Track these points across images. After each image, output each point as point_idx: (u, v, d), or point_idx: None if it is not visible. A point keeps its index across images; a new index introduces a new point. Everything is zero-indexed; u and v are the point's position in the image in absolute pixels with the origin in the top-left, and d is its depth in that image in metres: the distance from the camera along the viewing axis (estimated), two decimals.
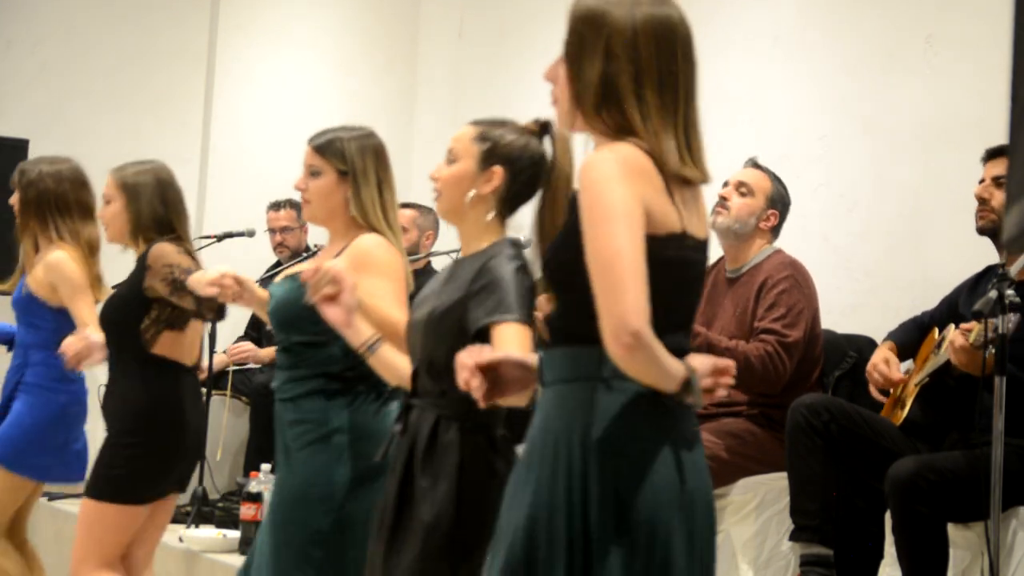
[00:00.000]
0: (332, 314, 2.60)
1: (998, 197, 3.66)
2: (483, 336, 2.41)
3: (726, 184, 4.37)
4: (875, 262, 4.75)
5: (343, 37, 7.27)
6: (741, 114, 5.31)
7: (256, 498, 4.48)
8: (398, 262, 2.94)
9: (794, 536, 3.79)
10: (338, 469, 2.86)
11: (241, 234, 5.60)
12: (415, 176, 7.12)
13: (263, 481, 4.51)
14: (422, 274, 6.06)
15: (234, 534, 4.62)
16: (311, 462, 2.89)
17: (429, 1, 7.32)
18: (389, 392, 2.92)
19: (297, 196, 3.18)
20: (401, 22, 7.35)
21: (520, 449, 2.22)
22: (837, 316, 4.55)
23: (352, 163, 3.00)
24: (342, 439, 2.88)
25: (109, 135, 6.44)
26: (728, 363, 2.00)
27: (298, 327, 2.92)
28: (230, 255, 6.08)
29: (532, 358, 2.10)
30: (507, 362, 2.06)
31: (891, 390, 3.90)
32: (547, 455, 1.97)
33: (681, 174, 1.97)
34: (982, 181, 3.76)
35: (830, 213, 4.91)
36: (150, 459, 3.63)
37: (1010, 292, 3.13)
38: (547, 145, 2.57)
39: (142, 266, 3.65)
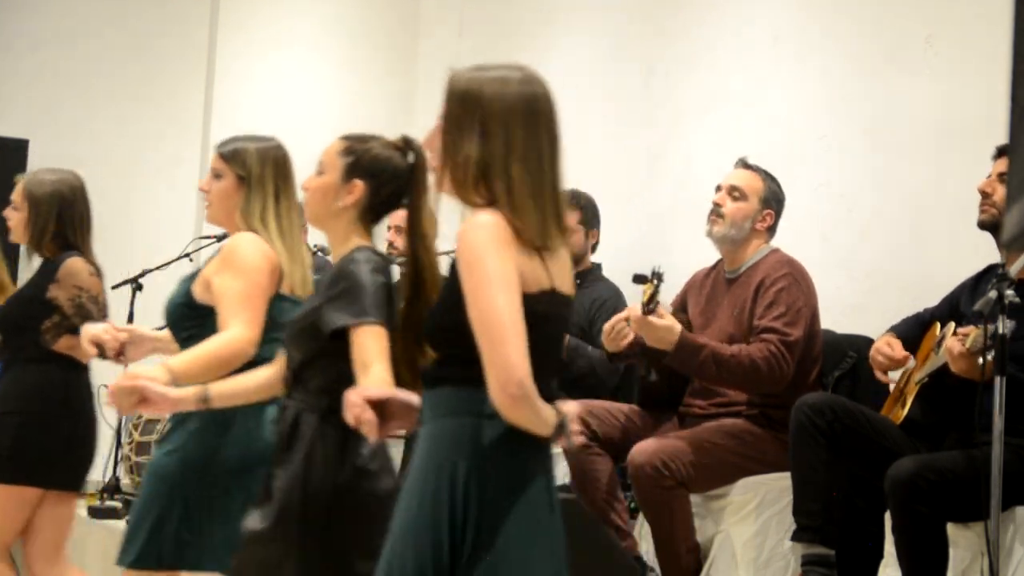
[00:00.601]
0: (154, 410, 2.90)
1: (1000, 192, 3.66)
2: (340, 336, 2.60)
3: (718, 189, 4.35)
4: (875, 262, 4.74)
5: (343, 37, 7.27)
6: (741, 114, 5.31)
7: None
8: (262, 261, 3.09)
9: (796, 536, 3.78)
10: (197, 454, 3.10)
11: None
12: None
13: None
14: None
15: None
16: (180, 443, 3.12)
17: (429, 1, 7.32)
18: None
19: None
20: (401, 21, 7.36)
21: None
22: (837, 316, 4.55)
23: (250, 169, 3.21)
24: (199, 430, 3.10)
25: (109, 135, 6.45)
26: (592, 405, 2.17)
27: (179, 324, 3.16)
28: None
29: (415, 397, 2.25)
30: (394, 400, 2.23)
31: (892, 385, 3.90)
32: (432, 481, 2.16)
33: (543, 244, 2.19)
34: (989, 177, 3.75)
35: (830, 213, 4.90)
36: (38, 439, 3.79)
37: (1010, 292, 3.13)
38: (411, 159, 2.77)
39: (50, 274, 3.85)
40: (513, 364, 2.08)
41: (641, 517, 4.28)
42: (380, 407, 2.20)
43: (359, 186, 2.76)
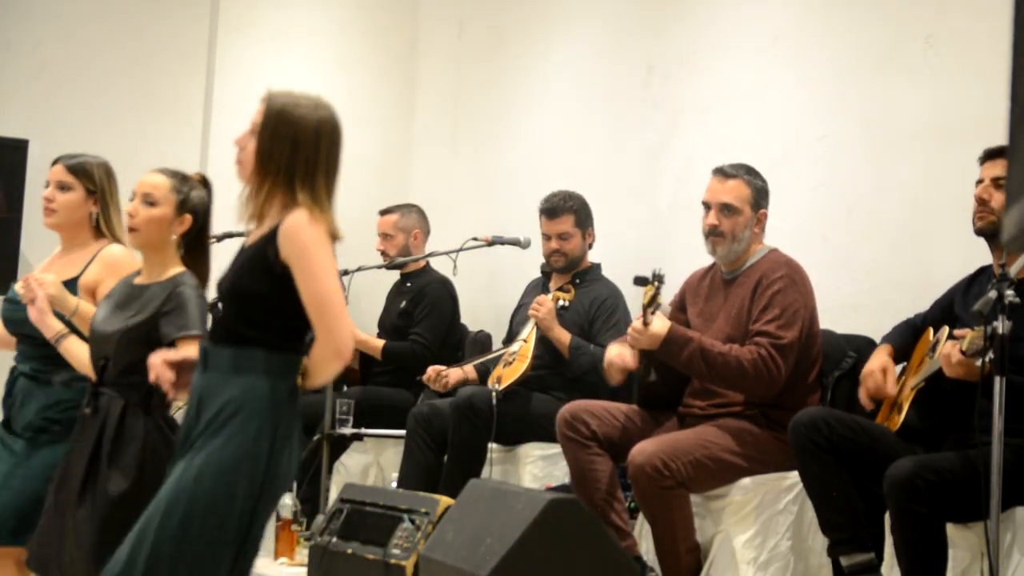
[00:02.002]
0: (31, 313, 3.48)
1: (997, 198, 3.65)
2: (173, 346, 3.17)
3: (707, 206, 4.32)
4: (875, 262, 4.74)
5: (343, 38, 7.27)
6: (741, 114, 5.31)
7: None
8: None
9: (832, 551, 3.76)
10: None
11: (241, 234, 5.58)
12: (414, 175, 7.13)
13: None
14: (420, 275, 6.06)
15: None
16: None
17: (429, 1, 7.32)
18: None
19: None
20: (401, 23, 7.35)
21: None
22: (837, 316, 4.55)
23: (100, 184, 3.77)
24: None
25: (109, 135, 6.43)
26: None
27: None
28: (230, 255, 6.09)
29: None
30: (187, 363, 2.79)
31: (882, 401, 3.89)
32: (238, 427, 2.62)
33: (336, 236, 2.70)
34: (980, 182, 3.74)
35: (830, 213, 4.90)
36: None
37: (1010, 292, 3.13)
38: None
39: None
40: (349, 334, 2.64)
41: (641, 517, 4.28)
42: (177, 368, 2.79)
43: (188, 219, 3.38)
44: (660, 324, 4.07)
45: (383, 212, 6.11)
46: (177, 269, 3.36)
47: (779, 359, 4.07)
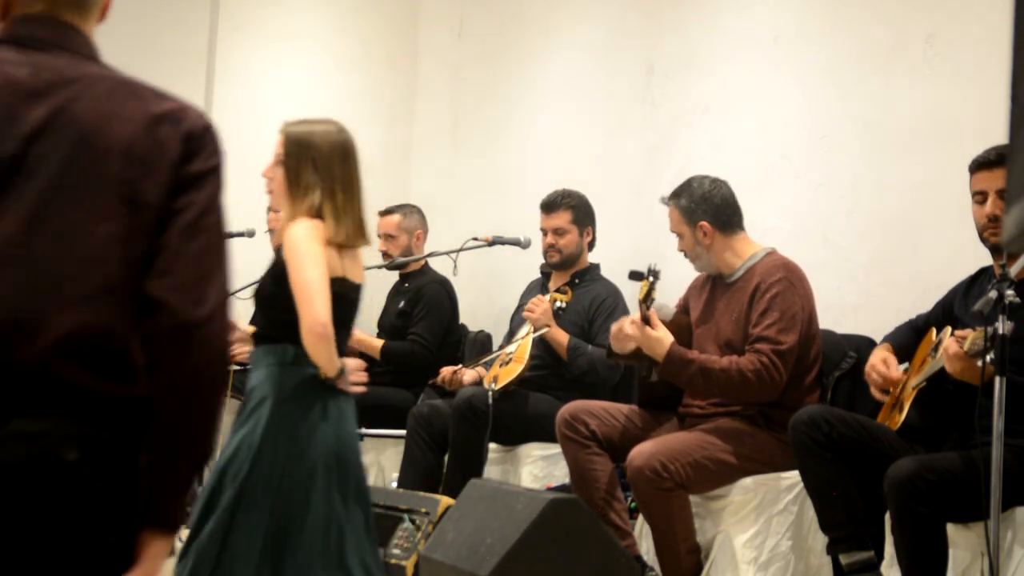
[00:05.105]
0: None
1: None
2: None
3: (680, 236, 4.38)
4: (875, 262, 4.74)
5: (343, 37, 7.27)
6: (741, 114, 5.31)
7: None
8: None
9: (831, 549, 3.75)
10: None
11: (241, 234, 5.60)
12: (414, 176, 7.12)
13: None
14: (419, 275, 6.06)
15: None
16: None
17: (429, 1, 7.32)
18: None
19: None
20: (401, 22, 7.35)
21: None
22: (837, 316, 4.55)
23: None
24: None
25: None
26: (359, 363, 3.27)
27: None
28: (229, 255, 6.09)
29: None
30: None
31: (890, 390, 3.89)
32: (257, 411, 3.12)
33: (351, 245, 3.19)
34: (978, 194, 3.68)
35: (830, 213, 4.90)
36: None
37: (1010, 292, 3.13)
38: None
39: None
40: (319, 312, 3.02)
41: (641, 517, 4.28)
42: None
43: None
44: (661, 332, 4.07)
45: (383, 213, 6.08)
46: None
47: (780, 365, 4.07)
